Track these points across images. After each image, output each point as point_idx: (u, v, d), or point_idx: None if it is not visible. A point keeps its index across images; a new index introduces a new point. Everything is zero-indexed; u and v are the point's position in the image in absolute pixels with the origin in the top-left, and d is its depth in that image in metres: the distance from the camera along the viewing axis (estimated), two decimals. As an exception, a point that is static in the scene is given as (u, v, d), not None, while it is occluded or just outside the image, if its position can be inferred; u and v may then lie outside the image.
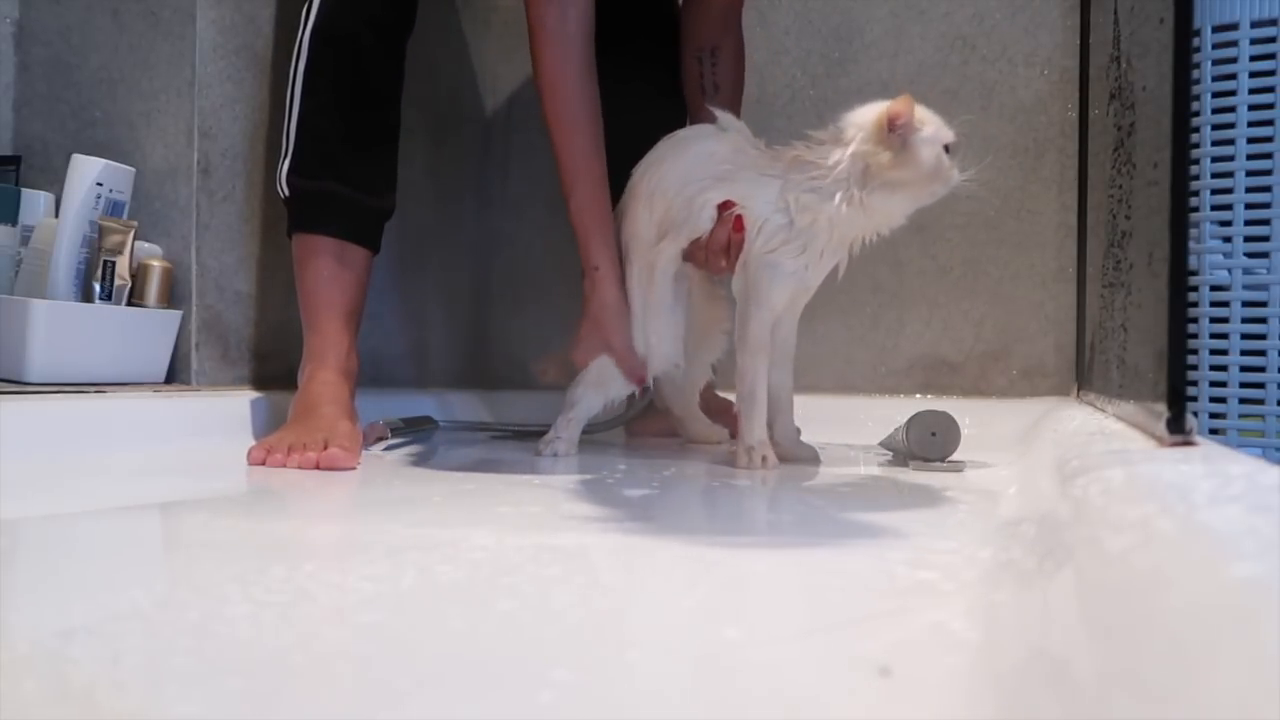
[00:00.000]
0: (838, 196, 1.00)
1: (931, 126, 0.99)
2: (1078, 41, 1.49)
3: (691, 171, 1.07)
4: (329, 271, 1.12)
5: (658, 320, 1.09)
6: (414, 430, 1.28)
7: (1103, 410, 1.02)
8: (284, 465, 0.96)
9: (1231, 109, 1.19)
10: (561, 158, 1.08)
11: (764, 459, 1.03)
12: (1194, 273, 1.20)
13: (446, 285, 1.69)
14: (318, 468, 0.95)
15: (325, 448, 0.96)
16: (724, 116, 1.09)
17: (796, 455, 1.11)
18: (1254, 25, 1.17)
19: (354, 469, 0.97)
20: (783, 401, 1.12)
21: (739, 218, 1.03)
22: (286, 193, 1.13)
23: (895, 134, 0.98)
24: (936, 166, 0.98)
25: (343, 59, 1.12)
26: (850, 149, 0.99)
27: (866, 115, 1.01)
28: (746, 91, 1.63)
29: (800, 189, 1.01)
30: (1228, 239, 1.20)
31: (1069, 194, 1.49)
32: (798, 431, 1.15)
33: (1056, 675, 0.34)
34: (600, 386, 1.12)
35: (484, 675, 0.36)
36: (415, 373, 1.60)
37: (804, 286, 1.07)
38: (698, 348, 1.18)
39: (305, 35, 1.12)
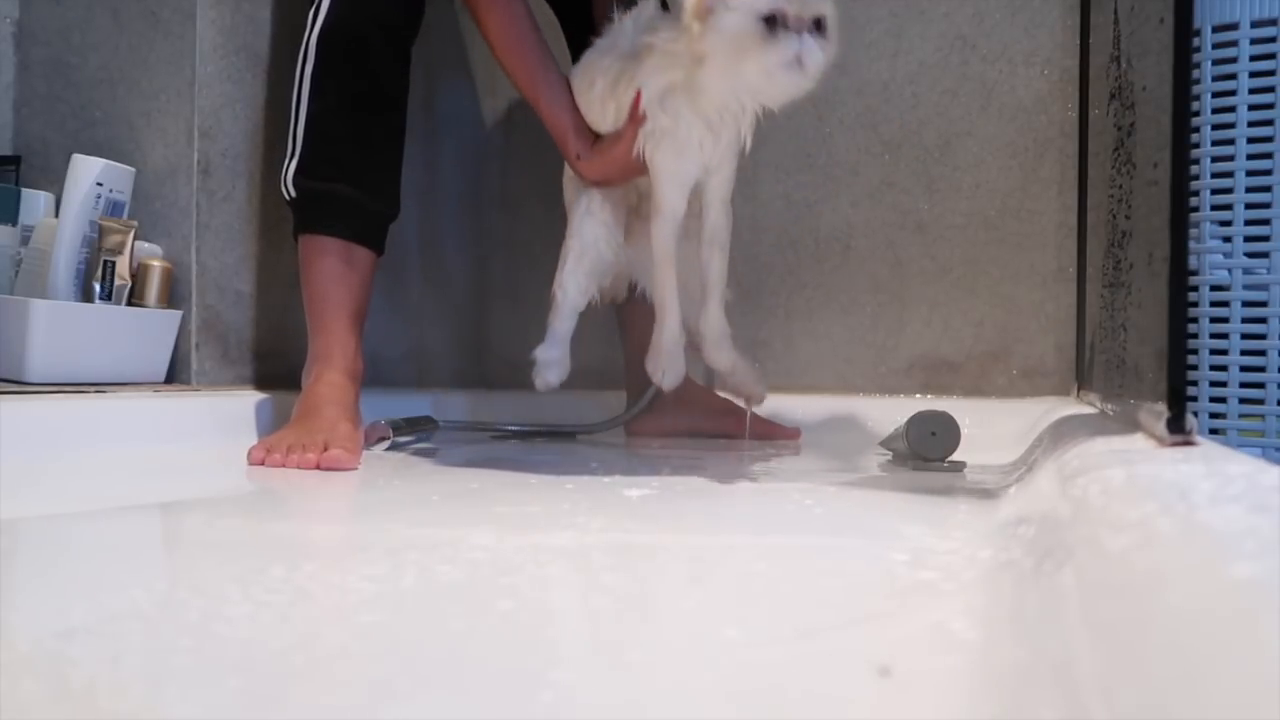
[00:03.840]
0: (671, 79, 0.95)
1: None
2: (1078, 41, 1.49)
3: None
4: (336, 272, 1.11)
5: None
6: (414, 430, 1.28)
7: (1103, 410, 1.02)
8: (284, 465, 0.96)
9: (1231, 109, 1.18)
10: (518, 78, 1.13)
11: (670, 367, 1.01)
12: (1194, 273, 1.20)
13: (446, 285, 1.69)
14: (318, 468, 0.95)
15: (325, 449, 0.96)
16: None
17: (718, 361, 1.06)
18: (1254, 25, 1.17)
19: (354, 469, 0.97)
20: (710, 286, 1.03)
21: (636, 95, 0.99)
22: (293, 194, 1.12)
23: (707, 7, 0.88)
24: (739, 40, 0.87)
25: (352, 61, 1.12)
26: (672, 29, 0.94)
27: None
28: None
29: (656, 77, 0.97)
30: (1228, 239, 1.20)
31: (1069, 194, 1.49)
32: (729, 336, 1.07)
33: (1056, 675, 0.34)
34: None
35: (484, 675, 0.36)
36: (415, 373, 1.60)
37: (701, 172, 1.00)
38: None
39: (313, 37, 1.11)
